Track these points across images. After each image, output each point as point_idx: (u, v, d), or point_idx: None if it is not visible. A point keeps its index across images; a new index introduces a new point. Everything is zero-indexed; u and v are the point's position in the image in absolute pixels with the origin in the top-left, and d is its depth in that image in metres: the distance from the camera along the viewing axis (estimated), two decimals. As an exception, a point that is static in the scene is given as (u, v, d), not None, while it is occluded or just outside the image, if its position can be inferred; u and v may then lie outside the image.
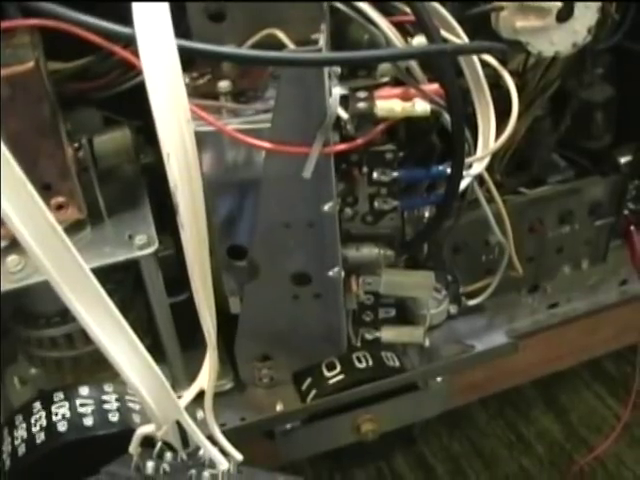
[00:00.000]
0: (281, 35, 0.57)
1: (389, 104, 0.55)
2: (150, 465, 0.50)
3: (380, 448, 0.77)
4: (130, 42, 0.44)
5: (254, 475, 0.53)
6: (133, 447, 0.50)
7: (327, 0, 0.57)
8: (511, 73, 0.62)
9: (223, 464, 0.51)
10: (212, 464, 0.51)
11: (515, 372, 0.92)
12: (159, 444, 0.51)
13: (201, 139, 0.56)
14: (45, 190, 0.59)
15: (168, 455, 0.52)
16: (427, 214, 0.66)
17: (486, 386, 0.92)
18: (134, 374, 0.45)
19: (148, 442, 0.52)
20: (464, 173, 0.60)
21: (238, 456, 0.51)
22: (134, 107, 0.55)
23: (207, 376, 0.49)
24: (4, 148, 0.38)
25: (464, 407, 0.99)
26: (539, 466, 1.04)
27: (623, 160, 0.81)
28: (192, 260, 0.45)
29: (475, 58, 0.59)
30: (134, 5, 0.42)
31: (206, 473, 0.51)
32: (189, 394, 0.49)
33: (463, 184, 0.61)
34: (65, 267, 0.42)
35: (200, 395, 0.51)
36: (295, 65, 0.50)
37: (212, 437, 0.51)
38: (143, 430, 0.49)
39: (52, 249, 0.41)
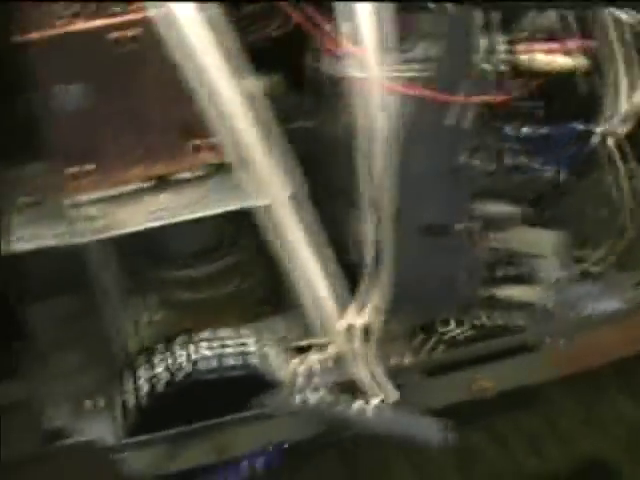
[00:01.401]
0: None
1: (544, 57, 0.56)
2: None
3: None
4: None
5: (401, 414, 0.54)
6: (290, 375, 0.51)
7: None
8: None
9: (376, 396, 0.52)
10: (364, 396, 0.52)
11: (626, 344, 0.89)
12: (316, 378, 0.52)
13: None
14: (184, 132, 0.61)
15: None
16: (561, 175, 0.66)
17: (598, 355, 0.89)
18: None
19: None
20: (602, 131, 0.61)
21: (395, 394, 0.52)
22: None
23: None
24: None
25: (541, 385, 0.99)
26: (617, 447, 1.03)
27: None
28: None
29: (622, 16, 0.60)
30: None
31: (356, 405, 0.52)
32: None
33: (595, 141, 0.62)
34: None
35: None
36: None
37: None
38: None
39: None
